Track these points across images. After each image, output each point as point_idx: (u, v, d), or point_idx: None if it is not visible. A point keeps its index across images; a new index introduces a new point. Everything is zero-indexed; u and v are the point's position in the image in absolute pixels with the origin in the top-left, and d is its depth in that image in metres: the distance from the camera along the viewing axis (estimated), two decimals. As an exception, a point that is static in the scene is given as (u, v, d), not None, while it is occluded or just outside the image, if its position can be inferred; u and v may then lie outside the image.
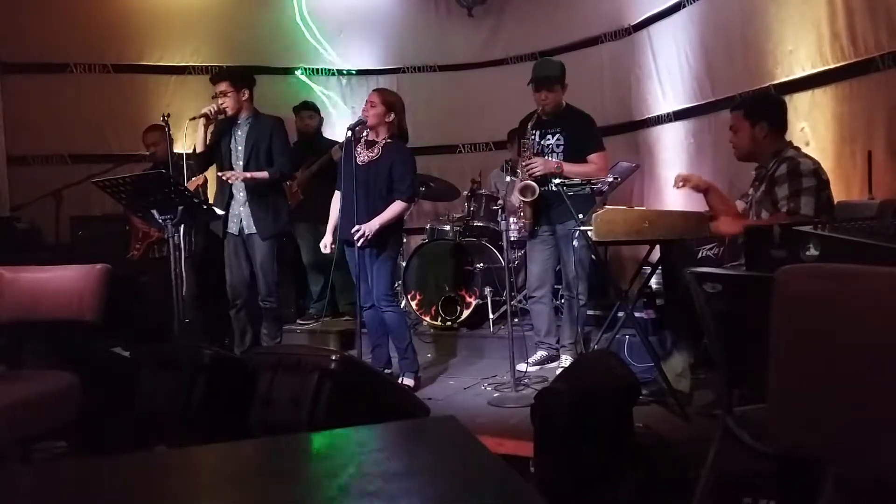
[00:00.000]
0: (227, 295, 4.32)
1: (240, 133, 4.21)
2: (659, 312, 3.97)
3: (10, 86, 5.72)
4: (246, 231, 4.21)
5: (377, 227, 3.81)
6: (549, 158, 4.07)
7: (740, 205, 3.38)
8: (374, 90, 4.04)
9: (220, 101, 4.14)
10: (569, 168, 3.99)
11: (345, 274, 5.14)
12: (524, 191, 4.01)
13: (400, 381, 3.94)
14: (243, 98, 4.19)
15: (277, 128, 4.26)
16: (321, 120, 5.63)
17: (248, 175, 4.11)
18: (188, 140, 4.17)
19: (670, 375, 3.27)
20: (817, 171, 3.07)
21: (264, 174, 4.13)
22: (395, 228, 3.98)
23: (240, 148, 4.20)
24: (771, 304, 1.36)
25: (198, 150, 4.19)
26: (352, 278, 4.07)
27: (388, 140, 3.91)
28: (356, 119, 3.96)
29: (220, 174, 4.15)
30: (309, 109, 5.63)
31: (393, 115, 3.89)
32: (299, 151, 5.49)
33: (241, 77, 4.28)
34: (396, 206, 3.88)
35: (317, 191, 5.01)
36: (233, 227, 4.23)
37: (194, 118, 4.12)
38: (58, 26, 5.86)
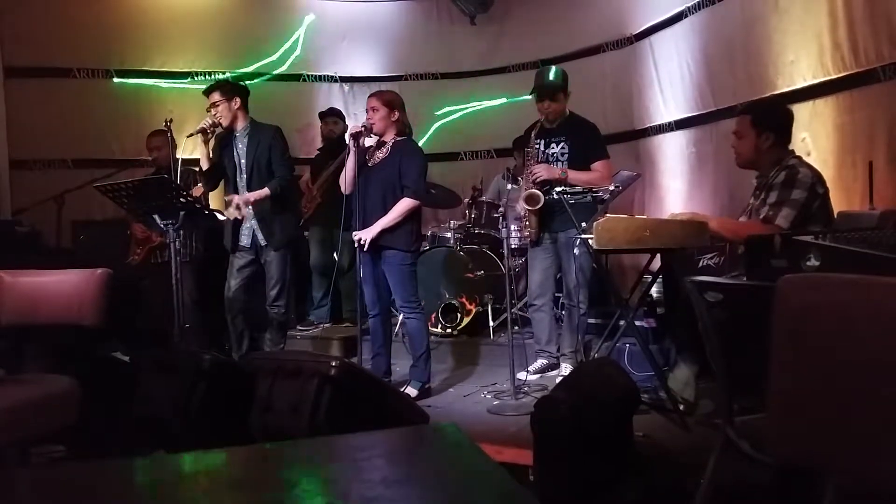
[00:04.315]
0: (224, 301, 4.31)
1: (241, 146, 4.21)
2: (659, 321, 3.97)
3: (13, 90, 5.74)
4: (262, 243, 4.20)
5: (377, 231, 3.81)
6: (554, 166, 4.08)
7: (743, 220, 3.36)
8: (370, 95, 4.02)
9: (213, 112, 4.15)
10: (573, 175, 3.99)
11: (349, 281, 5.16)
12: (529, 199, 4.00)
13: (404, 389, 3.92)
14: (235, 107, 4.17)
15: (276, 137, 4.25)
16: (345, 126, 5.64)
17: (252, 199, 4.11)
18: (194, 153, 4.19)
19: (675, 385, 3.26)
20: (814, 184, 3.03)
21: (265, 192, 4.12)
22: (408, 227, 3.88)
23: (242, 161, 4.19)
24: (772, 314, 1.36)
25: (203, 168, 4.20)
26: (355, 285, 4.06)
27: (397, 138, 3.92)
28: (358, 126, 3.94)
29: (226, 199, 4.16)
30: (334, 116, 5.67)
31: (397, 113, 3.90)
32: (324, 157, 5.52)
33: (231, 87, 4.29)
34: (402, 204, 3.83)
35: (333, 195, 5.03)
36: (244, 241, 4.22)
37: (191, 134, 4.13)
38: (61, 31, 5.88)
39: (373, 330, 4.05)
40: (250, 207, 4.15)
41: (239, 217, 4.14)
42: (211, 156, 4.20)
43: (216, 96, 4.16)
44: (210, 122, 4.11)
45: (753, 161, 3.25)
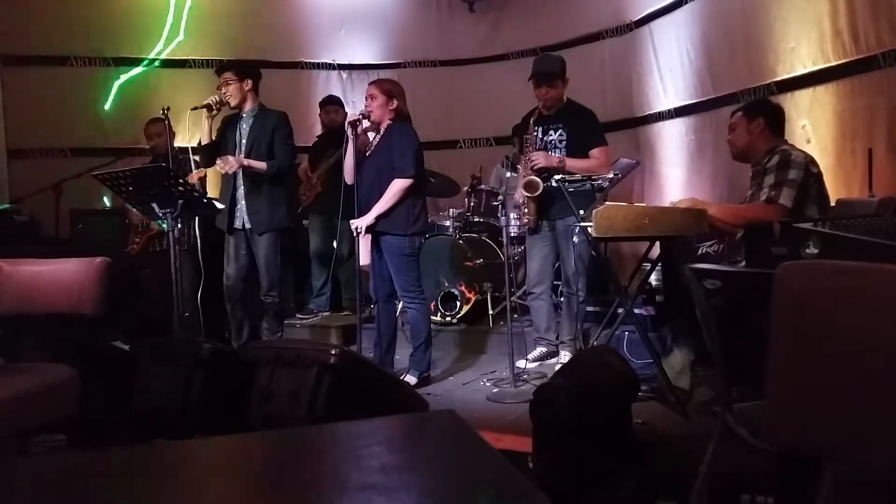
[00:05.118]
0: (223, 290, 4.32)
1: (244, 126, 4.23)
2: (658, 309, 3.97)
3: (10, 78, 5.73)
4: (248, 226, 4.21)
5: (372, 218, 3.80)
6: (552, 154, 4.07)
7: None
8: (370, 83, 4.02)
9: (222, 91, 4.16)
10: (571, 163, 3.98)
11: (349, 269, 5.16)
12: (528, 186, 4.00)
13: (403, 377, 3.92)
14: (246, 88, 4.20)
15: (280, 122, 4.26)
16: (345, 114, 5.63)
17: (245, 162, 4.10)
18: (191, 132, 4.15)
19: (670, 372, 3.27)
20: (808, 164, 3.12)
21: (262, 165, 4.13)
22: (402, 210, 3.84)
23: (243, 142, 4.20)
24: (771, 301, 1.36)
25: (203, 143, 4.18)
26: (355, 274, 4.05)
27: (390, 122, 3.91)
28: (356, 114, 3.93)
29: (217, 164, 4.13)
30: (334, 104, 5.65)
31: (395, 102, 3.88)
32: (323, 145, 5.50)
33: (244, 68, 4.30)
34: (394, 186, 3.79)
35: (333, 183, 5.02)
36: (237, 223, 4.23)
37: (196, 108, 4.11)
38: (57, 19, 5.86)
39: (375, 318, 4.05)
40: (243, 188, 4.16)
41: (230, 171, 4.10)
42: (213, 136, 4.19)
43: (229, 76, 4.19)
44: (217, 98, 4.12)
45: (746, 148, 3.33)
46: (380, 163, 3.85)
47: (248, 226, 4.21)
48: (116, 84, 6.08)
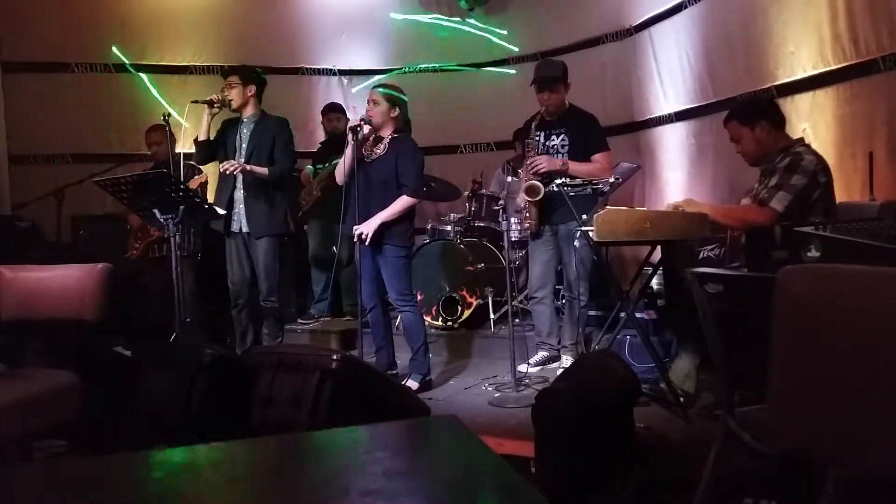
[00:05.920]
0: (229, 294, 4.32)
1: (245, 131, 4.26)
2: (660, 313, 3.98)
3: (12, 85, 5.73)
4: (245, 230, 4.22)
5: (377, 225, 3.81)
6: (555, 157, 4.08)
7: (746, 202, 3.39)
8: (374, 87, 4.03)
9: (225, 92, 4.18)
10: (574, 167, 3.99)
11: (349, 274, 5.16)
12: (529, 191, 4.00)
13: (405, 382, 3.92)
14: (249, 93, 4.24)
15: (281, 128, 4.29)
16: (347, 121, 5.63)
17: (248, 167, 4.13)
18: (189, 124, 4.17)
19: (677, 377, 3.26)
20: (816, 172, 3.07)
21: (264, 170, 4.17)
22: (404, 224, 3.90)
23: (244, 146, 4.23)
24: (772, 305, 1.36)
25: (200, 139, 4.20)
26: (355, 279, 4.06)
27: (395, 135, 3.91)
28: (357, 119, 3.94)
29: (220, 165, 4.17)
30: (336, 111, 5.66)
31: (398, 109, 3.89)
32: (326, 152, 5.51)
33: (250, 73, 4.34)
34: (401, 201, 3.83)
35: (331, 190, 5.02)
36: (235, 227, 4.24)
37: (197, 101, 4.14)
38: (59, 26, 5.87)
39: (373, 324, 4.04)
40: (242, 192, 4.16)
41: (231, 172, 4.14)
42: (211, 135, 4.22)
43: (234, 79, 4.26)
44: (219, 97, 4.16)
45: (761, 154, 3.30)
46: (383, 174, 3.85)
47: (245, 230, 4.22)
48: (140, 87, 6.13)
